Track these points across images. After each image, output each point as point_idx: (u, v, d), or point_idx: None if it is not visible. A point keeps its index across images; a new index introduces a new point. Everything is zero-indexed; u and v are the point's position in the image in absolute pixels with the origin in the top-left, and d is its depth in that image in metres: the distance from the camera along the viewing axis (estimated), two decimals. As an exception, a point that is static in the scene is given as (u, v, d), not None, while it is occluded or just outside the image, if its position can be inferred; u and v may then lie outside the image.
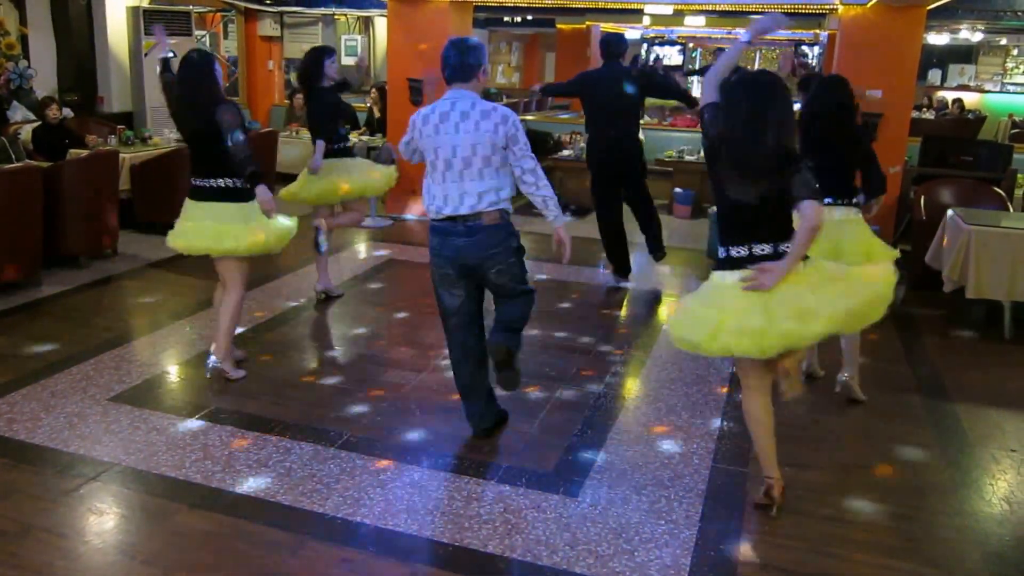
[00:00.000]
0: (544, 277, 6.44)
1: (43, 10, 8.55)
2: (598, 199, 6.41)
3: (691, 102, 6.45)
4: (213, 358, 4.32)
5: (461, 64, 3.42)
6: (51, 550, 2.87)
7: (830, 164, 3.88)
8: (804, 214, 2.89)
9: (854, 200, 4.09)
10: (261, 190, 4.01)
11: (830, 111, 4.05)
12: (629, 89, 6.08)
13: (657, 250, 6.58)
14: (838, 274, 3.09)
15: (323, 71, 5.33)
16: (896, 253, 4.08)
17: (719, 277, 3.10)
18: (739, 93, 3.00)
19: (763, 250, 3.00)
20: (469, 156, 3.36)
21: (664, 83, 6.32)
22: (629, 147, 6.20)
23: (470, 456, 3.62)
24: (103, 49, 8.94)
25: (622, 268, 6.44)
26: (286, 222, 4.35)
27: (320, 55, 5.39)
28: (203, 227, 4.08)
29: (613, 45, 6.15)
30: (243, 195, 4.09)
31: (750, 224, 3.02)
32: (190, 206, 4.16)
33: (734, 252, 3.03)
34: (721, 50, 13.91)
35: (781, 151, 2.93)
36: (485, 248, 3.43)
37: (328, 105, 5.44)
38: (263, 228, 4.16)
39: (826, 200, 3.77)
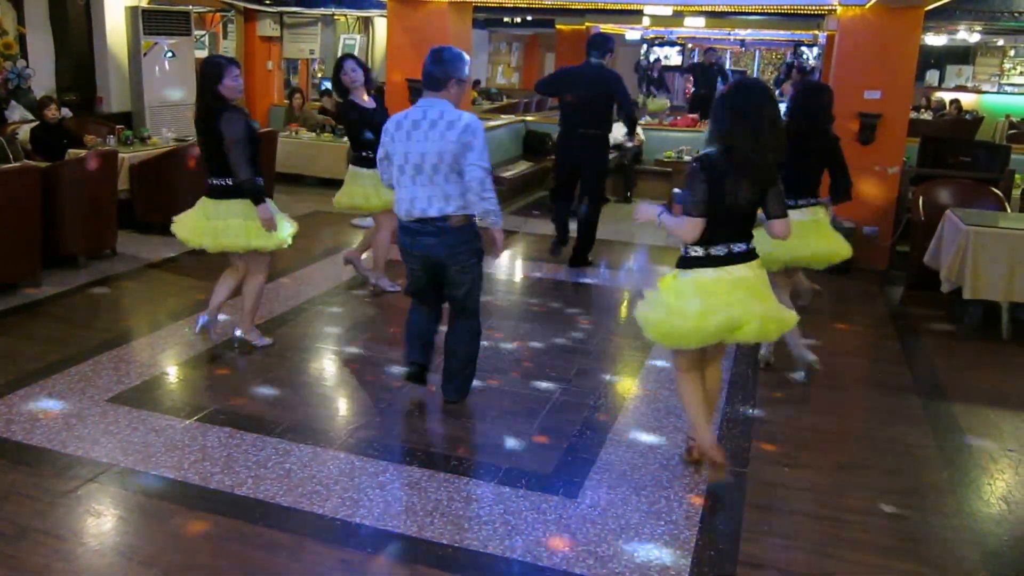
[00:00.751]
0: (542, 276, 6.44)
1: (41, 10, 8.54)
2: (555, 191, 6.68)
3: (632, 131, 7.00)
4: (239, 331, 4.79)
5: (430, 74, 3.63)
6: (49, 552, 2.86)
7: (802, 166, 4.17)
8: (778, 231, 3.27)
9: (819, 200, 4.46)
10: (262, 209, 4.35)
11: (810, 116, 4.30)
12: (601, 89, 6.09)
13: (577, 259, 6.63)
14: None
15: (342, 85, 5.46)
16: (850, 250, 4.45)
17: (705, 274, 3.19)
18: (756, 99, 3.08)
19: (740, 248, 3.19)
20: (436, 163, 3.58)
21: (623, 101, 6.31)
22: (596, 146, 6.23)
23: (470, 457, 3.62)
24: (102, 49, 8.92)
25: (562, 240, 6.63)
26: (287, 227, 4.60)
27: (336, 71, 5.51)
28: (216, 226, 4.38)
29: (597, 44, 6.18)
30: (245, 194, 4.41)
31: (740, 224, 3.19)
32: (204, 203, 4.46)
33: (714, 251, 3.18)
34: (713, 50, 14.00)
35: (780, 159, 3.14)
36: (452, 247, 3.70)
37: (349, 123, 5.59)
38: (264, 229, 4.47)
39: (791, 201, 4.05)
